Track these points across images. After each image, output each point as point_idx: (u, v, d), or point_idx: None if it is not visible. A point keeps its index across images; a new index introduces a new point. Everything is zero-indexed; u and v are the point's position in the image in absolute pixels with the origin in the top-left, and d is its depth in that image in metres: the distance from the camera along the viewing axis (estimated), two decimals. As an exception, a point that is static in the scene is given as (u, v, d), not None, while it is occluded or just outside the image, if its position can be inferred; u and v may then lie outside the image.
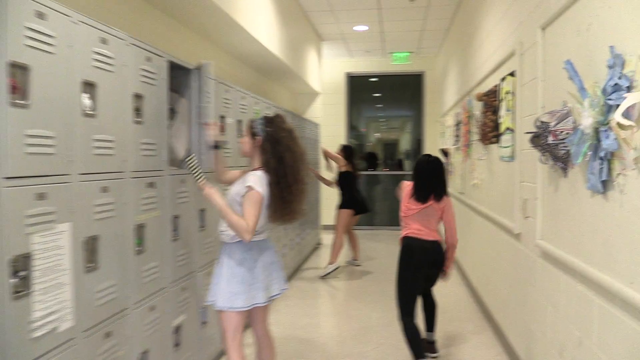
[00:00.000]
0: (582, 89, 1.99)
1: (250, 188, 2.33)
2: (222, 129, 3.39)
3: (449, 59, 7.34)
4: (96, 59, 2.00)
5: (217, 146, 2.63)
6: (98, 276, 2.01)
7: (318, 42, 7.98)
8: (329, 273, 5.72)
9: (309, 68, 7.34)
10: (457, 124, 6.06)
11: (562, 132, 2.21)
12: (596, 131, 1.86)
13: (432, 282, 3.39)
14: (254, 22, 4.45)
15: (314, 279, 5.64)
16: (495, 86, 3.81)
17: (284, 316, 4.29)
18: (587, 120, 1.89)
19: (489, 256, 4.10)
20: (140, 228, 2.32)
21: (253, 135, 2.48)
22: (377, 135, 14.61)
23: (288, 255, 5.43)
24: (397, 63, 8.99)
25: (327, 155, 6.20)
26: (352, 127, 10.18)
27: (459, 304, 4.64)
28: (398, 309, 3.19)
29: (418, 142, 9.70)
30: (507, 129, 3.43)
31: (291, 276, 5.62)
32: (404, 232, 3.27)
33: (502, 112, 3.59)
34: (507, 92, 3.45)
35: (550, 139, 2.29)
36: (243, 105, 3.87)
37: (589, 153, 1.91)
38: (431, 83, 9.23)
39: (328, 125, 9.10)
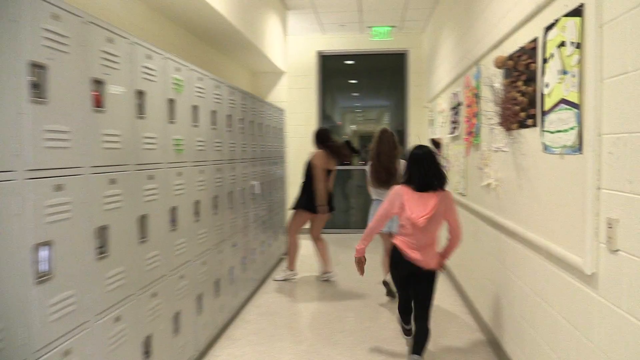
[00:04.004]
0: None
1: None
2: (98, 102, 2.04)
3: (439, 32, 6.07)
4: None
5: None
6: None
7: (283, 11, 6.61)
8: (283, 280, 5.13)
9: (271, 41, 5.97)
10: (455, 107, 4.80)
11: None
12: None
13: (423, 299, 2.94)
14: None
15: (274, 309, 4.32)
16: (533, 41, 2.55)
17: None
18: None
19: (523, 295, 2.85)
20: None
21: None
22: (354, 127, 13.55)
23: (249, 268, 4.10)
24: (377, 39, 7.68)
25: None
26: (326, 117, 8.88)
27: None
28: None
29: (400, 134, 8.42)
30: (562, 101, 2.17)
31: (244, 304, 4.30)
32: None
33: (550, 77, 2.32)
34: (560, 45, 2.19)
35: None
36: (148, 69, 2.51)
37: None
38: (416, 64, 7.95)
39: (297, 112, 7.76)
